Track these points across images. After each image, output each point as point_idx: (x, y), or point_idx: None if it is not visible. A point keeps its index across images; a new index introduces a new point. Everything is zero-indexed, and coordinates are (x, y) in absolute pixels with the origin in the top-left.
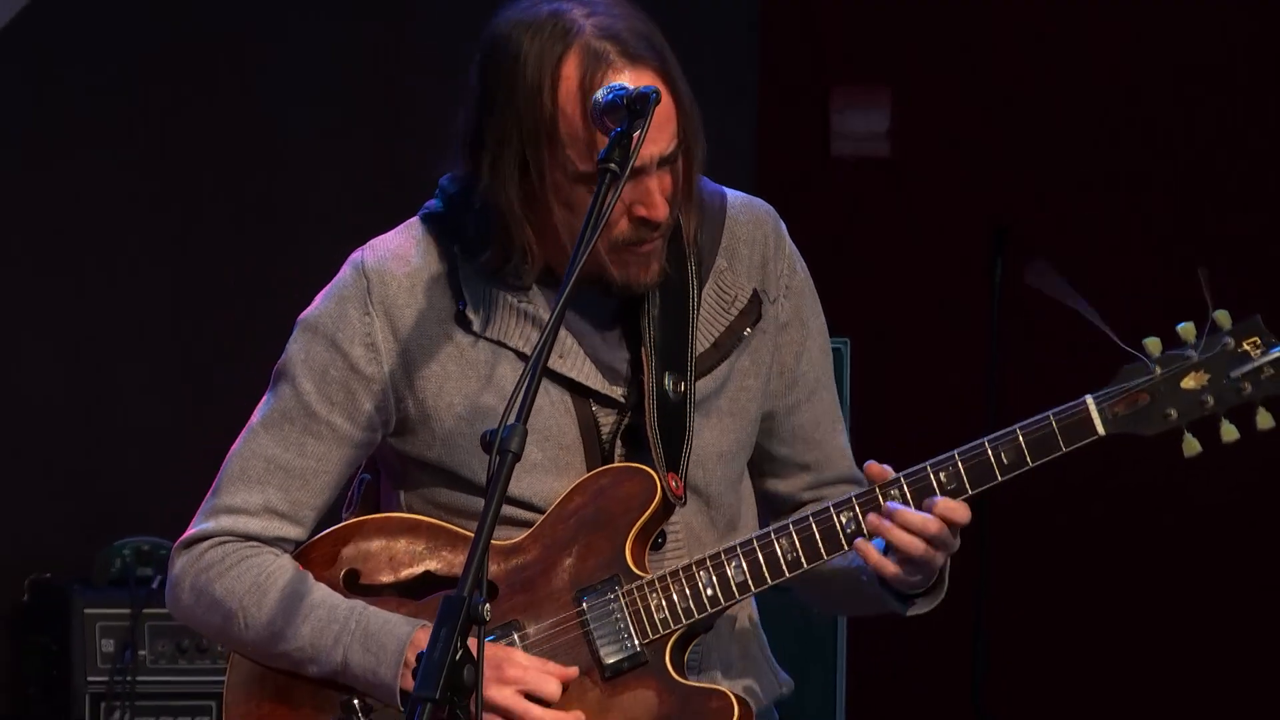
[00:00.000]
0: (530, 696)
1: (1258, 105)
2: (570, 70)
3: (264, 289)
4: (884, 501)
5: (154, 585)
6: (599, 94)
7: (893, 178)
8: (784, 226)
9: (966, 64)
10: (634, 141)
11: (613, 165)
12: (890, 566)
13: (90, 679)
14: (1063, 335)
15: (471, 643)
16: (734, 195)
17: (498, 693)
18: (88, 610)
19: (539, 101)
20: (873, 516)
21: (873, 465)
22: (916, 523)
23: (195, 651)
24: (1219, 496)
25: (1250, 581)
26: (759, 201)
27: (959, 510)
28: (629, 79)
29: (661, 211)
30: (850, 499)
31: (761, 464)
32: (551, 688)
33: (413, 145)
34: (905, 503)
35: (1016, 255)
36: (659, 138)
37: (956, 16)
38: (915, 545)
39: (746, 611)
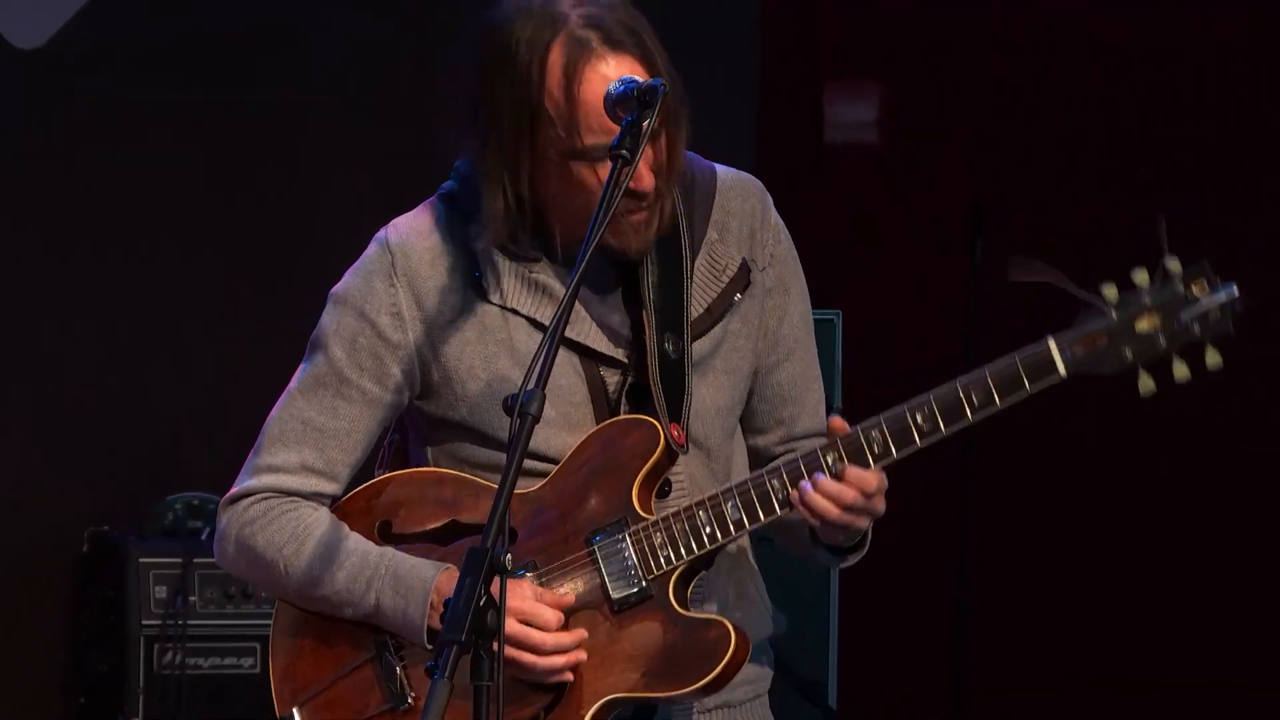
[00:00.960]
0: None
1: (1224, 90)
2: (556, 57)
3: (301, 265)
4: (845, 462)
5: (203, 537)
6: (612, 86)
7: (881, 163)
8: (770, 199)
9: (947, 61)
10: (643, 130)
11: (624, 152)
12: (814, 521)
13: (145, 623)
14: (1036, 306)
15: (494, 590)
16: (724, 171)
17: None
18: (142, 560)
19: (529, 85)
20: (803, 484)
21: (834, 420)
22: (833, 491)
23: (241, 597)
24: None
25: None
26: (747, 176)
27: (867, 478)
28: (611, 65)
29: (647, 183)
30: (835, 440)
31: (742, 419)
32: (548, 616)
33: (435, 135)
34: (839, 471)
35: (993, 232)
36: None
37: (938, 18)
38: (830, 510)
39: (745, 556)
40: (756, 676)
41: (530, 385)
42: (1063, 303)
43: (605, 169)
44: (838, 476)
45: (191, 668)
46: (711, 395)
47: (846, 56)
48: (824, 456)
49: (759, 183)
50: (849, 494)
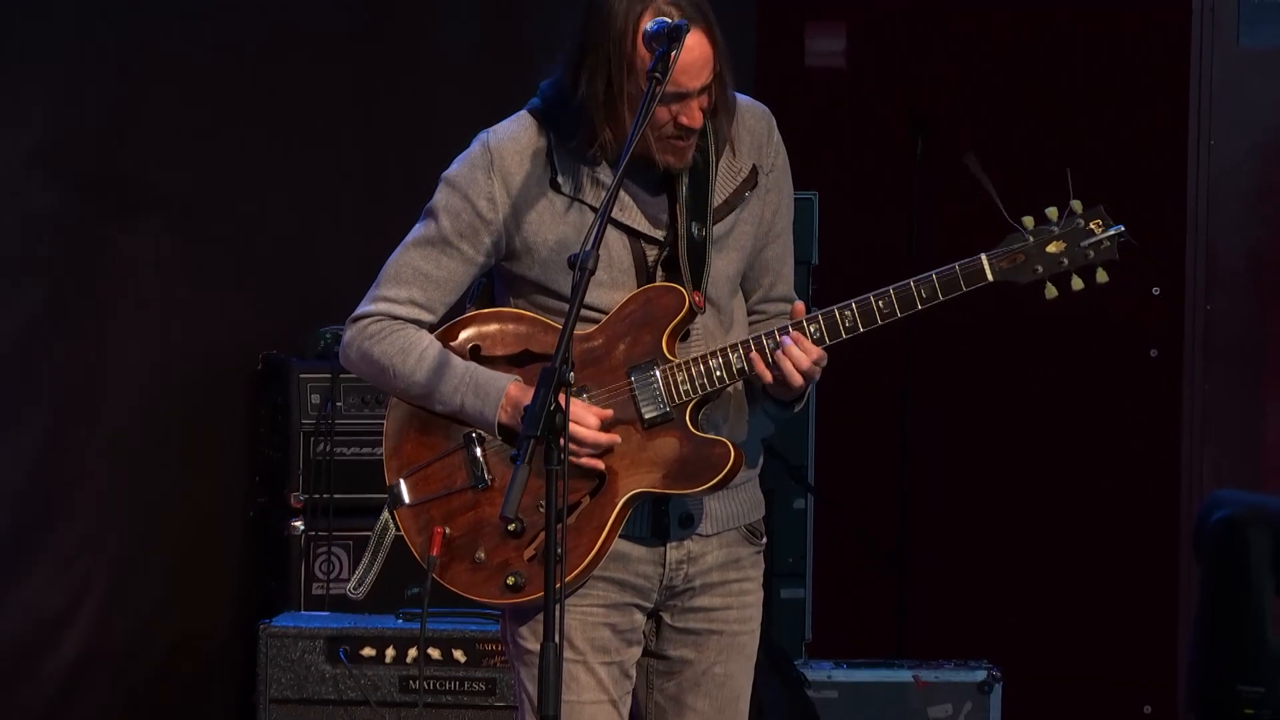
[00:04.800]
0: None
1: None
2: (645, 25)
3: (421, 155)
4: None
5: None
6: (649, 24)
7: (847, 81)
8: (774, 122)
9: (899, 7)
10: (671, 58)
11: (657, 74)
12: (768, 376)
13: (303, 421)
14: (964, 195)
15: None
16: (742, 98)
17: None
18: (302, 375)
19: (623, 45)
20: (784, 339)
21: (798, 304)
22: (796, 354)
23: (375, 404)
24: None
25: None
26: (759, 104)
27: (813, 350)
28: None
29: (698, 121)
30: (818, 315)
31: None
32: (591, 418)
33: (525, 63)
34: (821, 336)
35: (931, 135)
36: (701, 74)
37: None
38: (802, 362)
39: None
40: (750, 465)
41: (588, 247)
42: (983, 194)
43: (671, 108)
44: (818, 343)
45: (338, 455)
46: (725, 265)
47: (822, 4)
48: (808, 326)
49: (767, 109)
50: (805, 360)
